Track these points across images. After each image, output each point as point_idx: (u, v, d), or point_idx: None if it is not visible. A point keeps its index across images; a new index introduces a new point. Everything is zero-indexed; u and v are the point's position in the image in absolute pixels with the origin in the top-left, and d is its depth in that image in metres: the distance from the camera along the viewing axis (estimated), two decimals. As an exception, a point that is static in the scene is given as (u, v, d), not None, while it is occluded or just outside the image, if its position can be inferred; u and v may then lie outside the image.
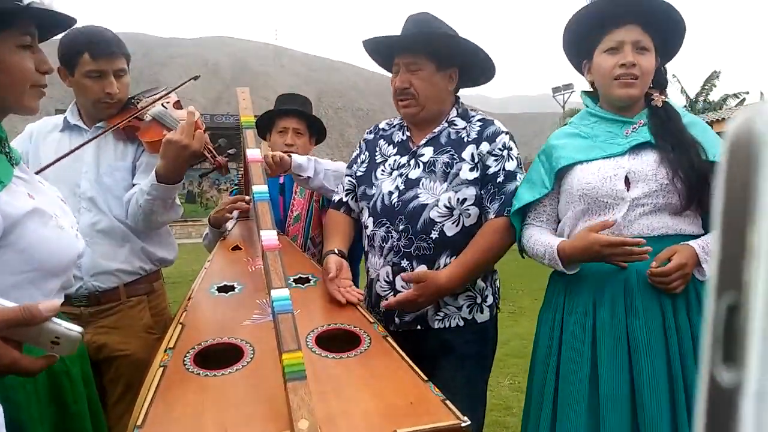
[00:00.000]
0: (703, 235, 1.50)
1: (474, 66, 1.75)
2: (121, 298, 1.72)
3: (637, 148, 1.51)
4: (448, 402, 1.14)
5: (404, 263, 1.64)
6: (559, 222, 1.63)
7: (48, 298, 1.04)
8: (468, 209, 1.63)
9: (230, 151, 1.77)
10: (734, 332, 0.13)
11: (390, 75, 1.78)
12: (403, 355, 1.31)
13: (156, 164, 1.62)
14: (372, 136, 1.88)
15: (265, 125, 2.26)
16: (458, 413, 1.10)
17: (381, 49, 1.78)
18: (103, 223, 1.71)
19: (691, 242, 1.44)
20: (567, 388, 1.49)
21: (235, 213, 2.01)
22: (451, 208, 1.62)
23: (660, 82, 1.59)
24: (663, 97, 1.55)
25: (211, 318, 1.44)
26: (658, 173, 1.46)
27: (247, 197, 1.98)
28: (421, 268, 1.63)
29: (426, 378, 1.22)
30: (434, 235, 1.62)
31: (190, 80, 1.92)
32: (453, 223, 1.63)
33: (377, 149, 1.82)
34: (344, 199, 1.84)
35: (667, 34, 1.55)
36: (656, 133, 1.50)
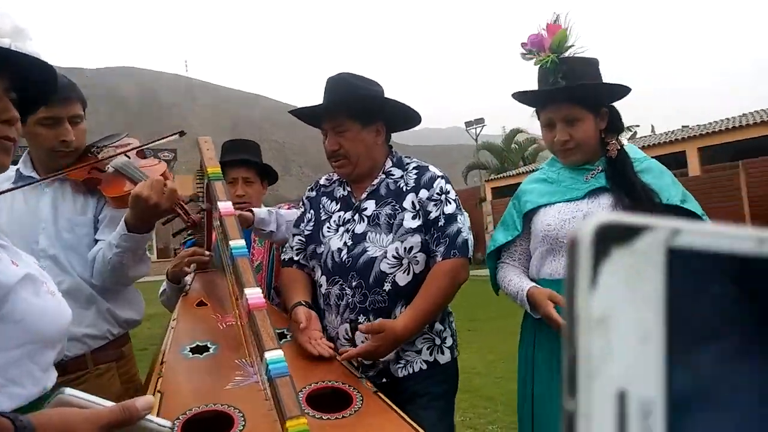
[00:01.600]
0: None
1: (397, 117, 1.82)
2: (89, 367, 1.60)
3: (595, 192, 1.63)
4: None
5: (361, 318, 1.64)
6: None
7: (46, 371, 0.95)
8: (416, 256, 1.66)
9: (203, 206, 1.71)
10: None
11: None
12: (397, 409, 1.30)
13: (121, 216, 1.54)
14: (314, 193, 1.89)
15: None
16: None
17: (307, 117, 1.83)
18: (66, 283, 1.58)
19: None
20: (545, 423, 1.59)
21: (193, 266, 1.93)
22: (399, 258, 1.65)
23: (613, 128, 1.69)
24: (617, 144, 1.67)
25: (190, 383, 1.36)
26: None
27: (206, 251, 1.91)
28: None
29: (422, 431, 1.21)
30: (387, 287, 1.63)
31: (173, 135, 1.83)
32: (404, 273, 1.65)
33: (321, 206, 1.83)
34: (295, 258, 1.82)
35: (601, 100, 1.67)
36: (611, 176, 1.63)
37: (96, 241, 1.63)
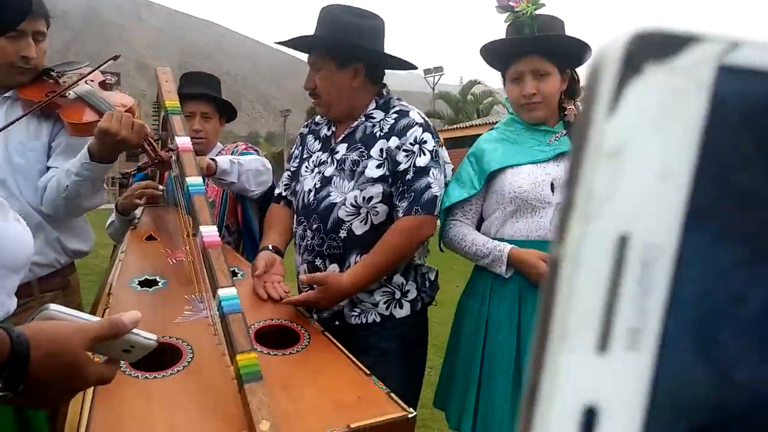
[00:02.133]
0: None
1: (377, 61, 1.72)
2: (34, 294, 1.57)
3: (560, 156, 1.67)
4: (393, 395, 1.21)
5: (318, 262, 1.65)
6: (481, 221, 1.76)
7: (10, 296, 0.95)
8: (376, 207, 1.61)
9: (172, 147, 1.66)
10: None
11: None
12: (343, 349, 1.36)
13: (78, 145, 1.49)
14: (306, 130, 1.87)
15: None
16: (404, 405, 1.18)
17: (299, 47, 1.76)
18: (14, 208, 1.52)
19: None
20: (494, 377, 1.61)
21: (144, 199, 1.90)
22: (357, 207, 1.61)
23: (571, 92, 1.74)
24: (574, 110, 1.72)
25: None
26: None
27: (158, 185, 1.88)
28: (333, 267, 1.64)
29: (368, 372, 1.28)
30: (343, 234, 1.62)
31: (111, 59, 1.75)
32: (361, 222, 1.62)
33: (306, 145, 1.82)
34: (283, 193, 1.84)
35: (569, 55, 1.71)
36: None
37: (48, 168, 1.58)
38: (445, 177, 1.68)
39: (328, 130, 1.78)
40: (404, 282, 1.68)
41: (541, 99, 1.66)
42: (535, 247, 1.61)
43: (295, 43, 1.71)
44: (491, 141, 1.76)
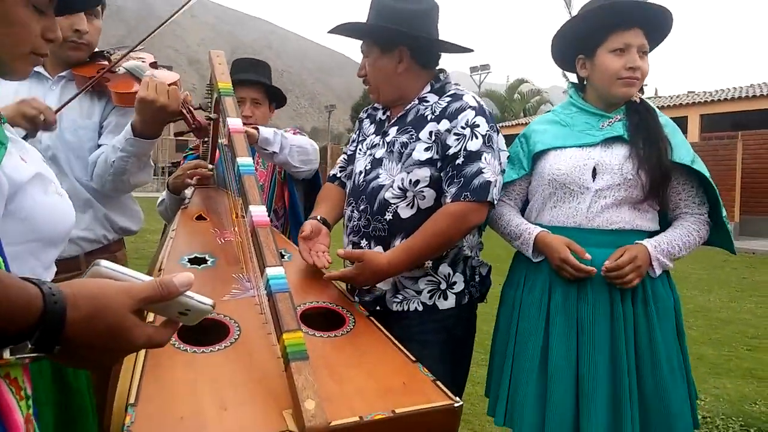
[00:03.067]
0: (657, 231, 1.64)
1: (422, 45, 1.65)
2: (81, 268, 1.62)
3: (610, 141, 1.61)
4: (439, 383, 1.18)
5: (363, 243, 1.65)
6: (526, 203, 1.74)
7: (48, 269, 0.97)
8: (422, 191, 1.58)
9: (212, 116, 1.69)
10: None
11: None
12: (389, 334, 1.34)
13: (126, 123, 1.52)
14: (364, 115, 1.89)
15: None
16: (450, 394, 1.15)
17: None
18: (64, 185, 1.57)
19: (644, 241, 1.57)
20: (522, 359, 1.62)
21: (194, 179, 1.93)
22: (404, 190, 1.58)
23: None
24: (640, 94, 1.66)
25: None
26: (624, 167, 1.57)
27: (208, 164, 1.90)
28: (378, 249, 1.62)
29: (414, 359, 1.26)
30: (388, 216, 1.60)
31: (181, 9, 1.74)
32: (407, 205, 1.59)
33: (362, 128, 1.84)
34: (338, 175, 1.87)
35: (660, 35, 1.66)
36: (631, 127, 1.61)
37: (99, 146, 1.62)
38: (500, 163, 1.59)
39: (383, 114, 1.78)
40: (451, 273, 1.64)
41: (641, 76, 1.61)
42: (572, 234, 1.57)
43: (341, 30, 1.71)
44: (543, 122, 1.75)
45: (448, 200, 1.55)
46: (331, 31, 1.72)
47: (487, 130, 1.57)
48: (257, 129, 1.83)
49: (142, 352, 1.15)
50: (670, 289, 1.63)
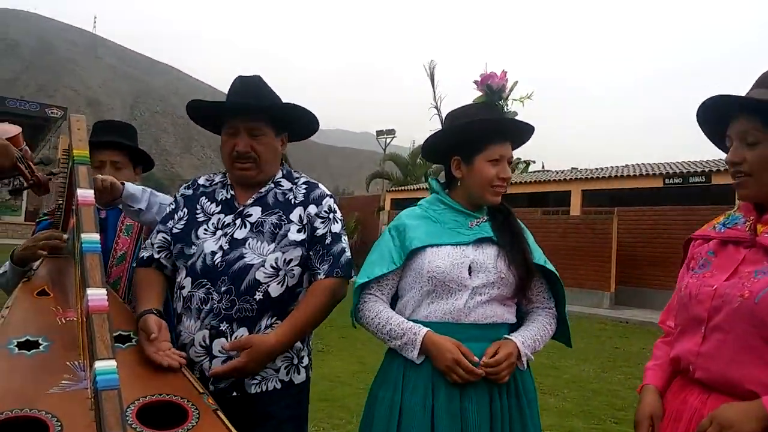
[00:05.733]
0: (516, 323, 1.71)
1: (303, 128, 1.84)
2: None
3: (480, 241, 1.68)
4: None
5: (223, 326, 1.59)
6: (396, 298, 1.72)
7: None
8: (293, 269, 1.66)
9: (54, 171, 1.58)
10: None
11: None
12: (233, 430, 1.26)
13: None
14: (191, 192, 1.81)
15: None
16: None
17: (210, 112, 1.79)
18: None
19: (512, 336, 1.63)
20: None
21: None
22: (277, 269, 1.64)
23: None
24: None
25: (7, 383, 1.24)
26: (497, 265, 1.64)
27: (63, 234, 1.76)
28: (242, 331, 1.59)
29: (257, 459, 1.19)
30: (258, 296, 1.61)
31: None
32: (278, 284, 1.64)
33: (199, 207, 1.75)
34: (156, 256, 1.73)
35: (517, 147, 1.80)
36: (496, 227, 1.70)
37: None
38: None
39: (227, 193, 1.75)
40: (301, 347, 1.72)
41: (506, 184, 1.72)
42: (449, 329, 1.59)
43: (226, 108, 1.72)
44: (414, 217, 1.75)
45: (321, 276, 1.66)
46: (201, 104, 1.76)
47: (341, 216, 1.78)
48: (123, 183, 1.73)
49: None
50: (531, 378, 1.70)
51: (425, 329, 1.58)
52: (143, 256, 1.74)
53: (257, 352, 1.53)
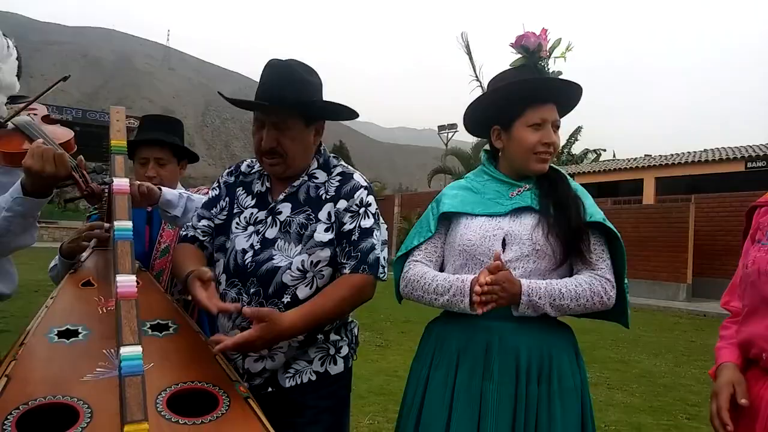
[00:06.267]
0: None
1: (339, 116, 1.71)
2: None
3: (518, 211, 1.59)
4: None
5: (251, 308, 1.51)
6: (442, 270, 1.65)
7: None
8: (322, 270, 1.59)
9: (107, 180, 1.60)
10: None
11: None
12: (264, 421, 1.22)
13: (12, 182, 1.43)
14: (232, 179, 1.77)
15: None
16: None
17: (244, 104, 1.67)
18: None
19: (523, 280, 1.48)
20: None
21: (93, 242, 1.82)
22: (304, 271, 1.56)
23: None
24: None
25: (44, 371, 1.26)
26: (533, 236, 1.53)
27: (107, 225, 1.79)
28: None
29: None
30: (286, 299, 1.55)
31: (59, 81, 1.70)
32: (306, 286, 1.57)
33: (236, 198, 1.71)
34: (200, 238, 1.70)
35: (568, 111, 1.69)
36: (541, 194, 1.59)
37: None
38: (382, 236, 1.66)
39: (262, 185, 1.70)
40: (338, 338, 1.66)
41: (553, 151, 1.60)
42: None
43: (257, 106, 1.60)
44: (454, 187, 1.72)
45: (347, 271, 1.57)
46: (237, 102, 1.63)
47: (376, 209, 1.66)
48: (160, 189, 1.74)
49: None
50: (577, 367, 1.56)
51: (471, 276, 1.50)
52: (186, 234, 1.72)
53: (270, 330, 1.43)
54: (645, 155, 21.42)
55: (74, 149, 1.60)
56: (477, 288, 1.42)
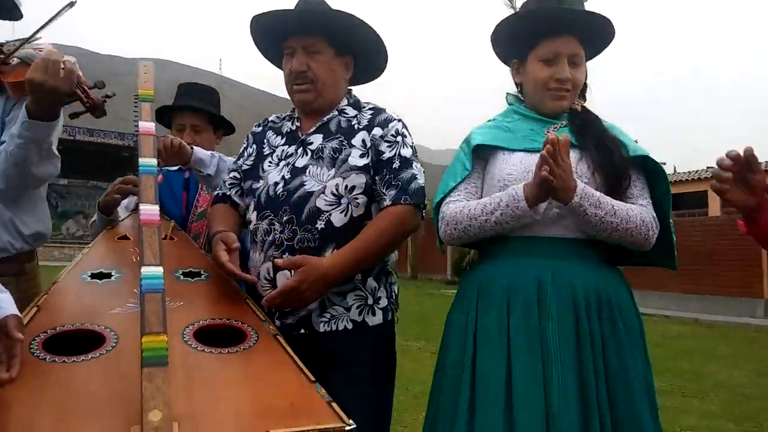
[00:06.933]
0: (610, 249, 1.47)
1: (369, 56, 1.67)
2: None
3: None
4: (334, 404, 1.01)
5: (285, 257, 1.47)
6: None
7: None
8: (357, 198, 1.51)
9: (108, 93, 1.57)
10: None
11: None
12: (292, 353, 1.17)
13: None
14: (260, 128, 1.75)
15: (163, 121, 2.11)
16: (343, 416, 0.98)
17: (272, 29, 1.64)
18: None
19: (579, 182, 1.36)
20: (484, 388, 1.36)
21: (129, 203, 1.83)
22: (338, 196, 1.49)
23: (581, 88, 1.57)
24: (582, 101, 1.54)
25: (74, 303, 1.25)
26: (578, 169, 1.42)
27: (135, 178, 1.80)
28: None
29: (314, 379, 1.09)
30: (320, 224, 1.47)
31: (64, 8, 1.67)
32: (341, 212, 1.49)
33: (265, 141, 1.69)
34: (228, 194, 1.68)
35: (599, 44, 1.56)
36: (578, 134, 1.47)
37: (1, 143, 1.51)
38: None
39: (292, 125, 1.67)
40: (377, 287, 1.56)
41: (571, 87, 1.49)
42: (526, 244, 1.40)
43: (285, 18, 1.59)
44: (484, 127, 1.60)
45: (388, 203, 1.50)
46: (261, 16, 1.62)
47: (413, 142, 1.59)
48: (192, 148, 1.74)
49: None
50: (634, 308, 1.44)
51: (521, 184, 1.39)
52: (217, 194, 1.71)
53: (310, 273, 1.37)
54: (707, 167, 20.52)
55: (76, 70, 1.56)
56: (544, 152, 1.27)
